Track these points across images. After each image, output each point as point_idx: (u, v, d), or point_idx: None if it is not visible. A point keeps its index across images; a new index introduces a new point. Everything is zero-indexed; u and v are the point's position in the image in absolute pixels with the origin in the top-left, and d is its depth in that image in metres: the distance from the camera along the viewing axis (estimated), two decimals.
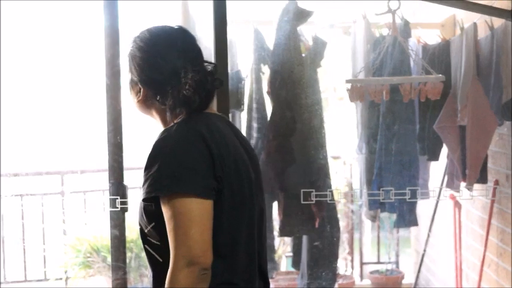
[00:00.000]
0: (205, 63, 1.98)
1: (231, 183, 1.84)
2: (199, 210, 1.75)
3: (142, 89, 1.96)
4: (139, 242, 5.87)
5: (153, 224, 1.85)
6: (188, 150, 1.80)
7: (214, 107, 2.11)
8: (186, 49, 1.95)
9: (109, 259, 4.54)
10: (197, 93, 1.87)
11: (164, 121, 1.97)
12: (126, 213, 2.98)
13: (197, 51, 1.99)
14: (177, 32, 1.99)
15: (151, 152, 1.82)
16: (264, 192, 2.08)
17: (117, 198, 2.93)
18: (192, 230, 1.73)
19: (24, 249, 5.85)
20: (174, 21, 3.33)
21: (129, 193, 3.01)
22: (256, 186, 1.98)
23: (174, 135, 1.82)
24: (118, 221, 2.98)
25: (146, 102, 1.98)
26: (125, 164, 2.99)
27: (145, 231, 1.89)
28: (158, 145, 1.83)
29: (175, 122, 1.90)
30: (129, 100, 2.05)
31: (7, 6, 6.41)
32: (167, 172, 1.77)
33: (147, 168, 1.80)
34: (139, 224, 1.92)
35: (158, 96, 1.92)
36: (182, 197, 1.74)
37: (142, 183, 1.81)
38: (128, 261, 4.36)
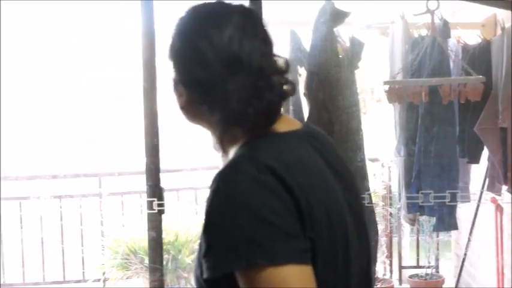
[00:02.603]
0: (276, 57, 1.35)
1: (323, 245, 1.26)
2: (301, 282, 1.19)
3: (184, 92, 1.38)
4: (177, 243, 5.92)
5: None
6: (267, 199, 1.20)
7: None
8: (247, 31, 1.31)
9: (146, 261, 4.58)
10: (252, 105, 1.26)
11: (220, 140, 1.36)
12: (163, 215, 2.99)
13: (264, 35, 1.35)
14: (234, 9, 1.35)
15: (209, 204, 1.23)
16: (368, 234, 1.48)
17: (154, 201, 2.95)
18: None
19: (63, 251, 5.92)
20: None
21: (166, 195, 3.02)
22: (355, 234, 1.38)
23: (241, 178, 1.22)
24: (155, 222, 2.99)
25: (192, 110, 1.39)
26: (162, 167, 3.00)
27: None
28: (219, 195, 1.23)
29: (236, 146, 1.35)
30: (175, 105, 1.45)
31: (46, 7, 6.50)
32: (242, 235, 1.18)
33: (208, 229, 1.23)
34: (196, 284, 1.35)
35: (205, 105, 1.33)
36: (273, 269, 1.17)
37: (202, 250, 1.24)
38: (165, 262, 4.38)
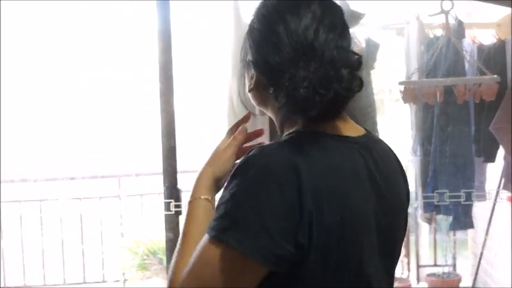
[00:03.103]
0: (351, 53, 1.33)
1: (327, 254, 1.24)
2: (239, 272, 1.23)
3: (255, 75, 1.39)
4: None
5: None
6: (275, 195, 1.21)
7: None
8: (325, 22, 1.31)
9: (165, 261, 4.62)
10: (318, 93, 1.23)
11: (280, 126, 1.39)
12: (180, 217, 3.01)
13: (342, 29, 1.35)
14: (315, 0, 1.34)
15: (233, 171, 1.28)
16: (394, 263, 1.45)
17: (172, 202, 2.96)
18: (211, 280, 1.23)
19: (83, 252, 5.97)
20: (225, 25, 3.37)
21: (184, 196, 3.03)
22: (378, 259, 1.34)
23: (264, 165, 1.24)
24: (172, 224, 3.00)
25: (260, 94, 1.40)
26: (179, 168, 3.02)
27: None
28: (241, 167, 1.26)
29: (286, 134, 1.35)
30: (244, 87, 1.48)
31: (65, 8, 6.55)
32: (232, 209, 1.22)
33: (225, 188, 1.27)
34: None
35: (272, 89, 1.32)
36: (227, 251, 1.21)
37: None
38: None
